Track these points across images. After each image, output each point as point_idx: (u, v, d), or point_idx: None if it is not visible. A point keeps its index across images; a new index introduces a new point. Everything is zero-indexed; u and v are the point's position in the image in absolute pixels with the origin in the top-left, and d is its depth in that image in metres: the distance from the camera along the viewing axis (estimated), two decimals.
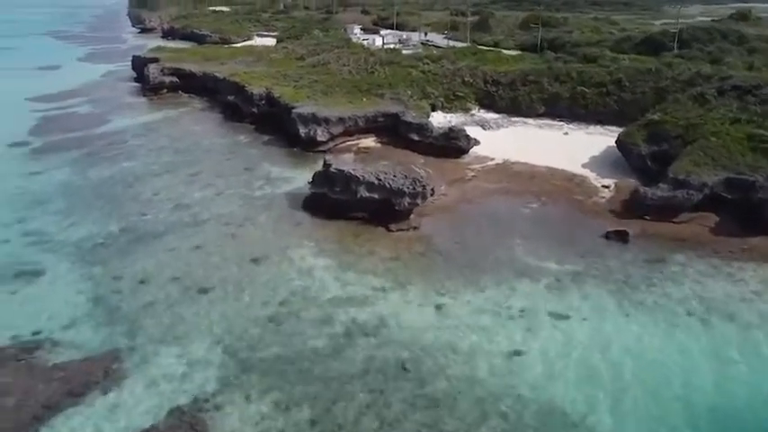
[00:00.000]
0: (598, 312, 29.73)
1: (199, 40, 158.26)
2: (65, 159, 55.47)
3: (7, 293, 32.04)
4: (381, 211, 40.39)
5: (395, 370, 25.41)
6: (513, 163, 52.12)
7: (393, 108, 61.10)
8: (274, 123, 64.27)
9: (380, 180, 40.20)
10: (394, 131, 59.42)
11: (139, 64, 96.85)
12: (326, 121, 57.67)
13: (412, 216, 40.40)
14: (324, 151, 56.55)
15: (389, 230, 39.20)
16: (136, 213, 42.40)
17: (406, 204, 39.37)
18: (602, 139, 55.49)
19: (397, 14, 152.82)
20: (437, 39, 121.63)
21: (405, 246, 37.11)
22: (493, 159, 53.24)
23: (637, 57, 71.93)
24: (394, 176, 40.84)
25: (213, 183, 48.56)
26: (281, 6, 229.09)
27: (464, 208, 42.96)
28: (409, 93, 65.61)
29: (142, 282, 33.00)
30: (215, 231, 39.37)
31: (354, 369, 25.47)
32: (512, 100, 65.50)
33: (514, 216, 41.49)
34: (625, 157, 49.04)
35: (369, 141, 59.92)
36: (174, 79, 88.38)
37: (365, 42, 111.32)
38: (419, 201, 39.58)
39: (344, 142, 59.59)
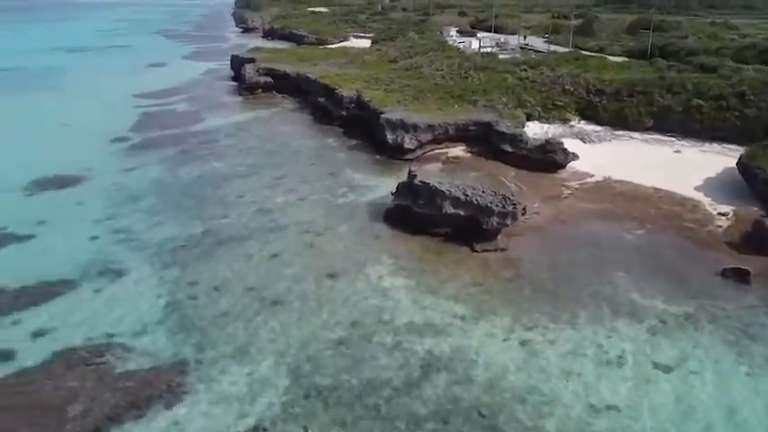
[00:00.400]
0: (711, 366, 25.75)
1: (296, 40, 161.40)
2: (159, 156, 56.84)
3: (91, 291, 32.36)
4: (467, 228, 37.84)
5: (469, 415, 22.90)
6: (615, 181, 47.82)
7: (486, 116, 58.21)
8: (363, 127, 63.12)
9: (467, 196, 37.62)
10: (485, 141, 56.53)
11: (237, 63, 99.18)
12: (415, 127, 55.66)
13: (500, 236, 37.52)
14: (410, 159, 54.80)
15: (474, 251, 36.56)
16: (219, 216, 42.23)
17: (494, 224, 36.56)
18: (719, 158, 49.98)
19: (496, 17, 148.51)
20: (537, 43, 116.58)
21: (490, 269, 34.35)
22: (592, 176, 49.15)
23: (762, 67, 64.68)
24: (482, 192, 38.15)
25: (297, 187, 47.81)
26: (379, 8, 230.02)
27: (558, 230, 39.51)
28: (504, 100, 62.37)
29: (217, 289, 32.35)
30: (294, 239, 38.32)
31: (425, 409, 23.18)
32: (616, 112, 60.60)
33: (615, 243, 37.57)
34: (747, 182, 43.59)
35: (458, 151, 57.34)
36: (269, 79, 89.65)
37: (461, 45, 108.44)
38: (508, 221, 36.64)
39: (432, 150, 57.37)
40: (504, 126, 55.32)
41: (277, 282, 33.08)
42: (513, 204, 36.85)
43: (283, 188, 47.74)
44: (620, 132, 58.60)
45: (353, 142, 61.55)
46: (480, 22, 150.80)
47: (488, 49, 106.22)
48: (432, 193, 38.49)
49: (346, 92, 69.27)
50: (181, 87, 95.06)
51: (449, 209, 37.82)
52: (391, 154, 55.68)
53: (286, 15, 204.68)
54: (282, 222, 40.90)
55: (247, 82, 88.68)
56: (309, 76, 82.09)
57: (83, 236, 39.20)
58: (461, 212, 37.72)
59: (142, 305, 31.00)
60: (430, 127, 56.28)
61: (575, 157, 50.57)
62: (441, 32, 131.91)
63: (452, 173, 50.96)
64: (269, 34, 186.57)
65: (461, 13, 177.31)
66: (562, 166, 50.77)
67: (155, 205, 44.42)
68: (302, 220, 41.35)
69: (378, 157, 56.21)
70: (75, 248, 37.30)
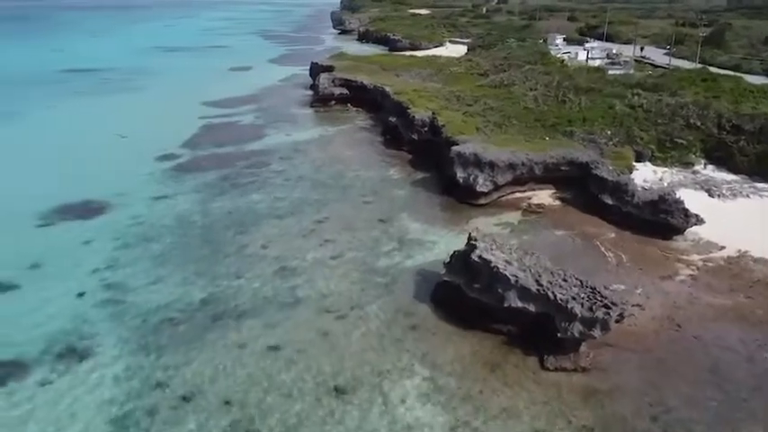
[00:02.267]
0: None
1: (390, 44, 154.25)
2: (198, 183, 50.46)
3: (35, 384, 25.46)
4: (538, 328, 27.58)
5: None
6: (755, 260, 35.35)
7: (583, 154, 46.92)
8: (434, 156, 53.62)
9: (541, 286, 27.28)
10: (580, 186, 45.38)
11: (316, 71, 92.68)
12: (492, 166, 45.41)
13: (582, 348, 26.88)
14: (484, 205, 44.76)
15: (544, 366, 26.21)
16: (231, 275, 34.47)
17: (576, 333, 25.99)
18: None
19: (609, 23, 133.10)
20: (655, 55, 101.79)
21: (563, 404, 23.94)
22: (722, 249, 36.86)
23: None
24: (563, 281, 27.68)
25: (335, 238, 39.26)
26: (484, 11, 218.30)
27: (670, 341, 28.15)
28: (608, 134, 50.62)
29: (185, 399, 24.37)
30: (306, 323, 29.69)
31: None
32: (759, 156, 47.10)
33: (761, 372, 25.82)
34: None
35: (545, 196, 46.50)
36: (344, 91, 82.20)
37: (565, 56, 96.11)
38: (596, 332, 25.91)
39: (513, 193, 46.95)
40: (606, 170, 43.85)
41: (264, 394, 24.56)
42: (606, 306, 26.05)
43: (319, 238, 39.33)
44: (764, 185, 45.12)
45: (419, 176, 52.18)
46: (591, 28, 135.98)
47: (597, 62, 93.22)
48: (492, 276, 28.46)
49: (420, 112, 59.99)
50: (254, 95, 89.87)
51: (514, 301, 27.65)
52: (461, 196, 45.85)
53: (384, 17, 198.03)
54: (301, 293, 32.41)
55: (321, 93, 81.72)
56: (387, 89, 73.49)
57: (69, 291, 32.79)
58: (531, 308, 27.46)
59: (88, 414, 23.56)
60: (511, 166, 45.83)
61: (699, 221, 38.30)
62: (544, 40, 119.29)
63: (532, 229, 40.39)
64: (364, 37, 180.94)
65: (571, 19, 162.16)
66: (680, 230, 38.76)
67: (165, 252, 37.47)
68: (326, 291, 32.66)
69: (444, 198, 46.54)
70: (52, 311, 30.86)
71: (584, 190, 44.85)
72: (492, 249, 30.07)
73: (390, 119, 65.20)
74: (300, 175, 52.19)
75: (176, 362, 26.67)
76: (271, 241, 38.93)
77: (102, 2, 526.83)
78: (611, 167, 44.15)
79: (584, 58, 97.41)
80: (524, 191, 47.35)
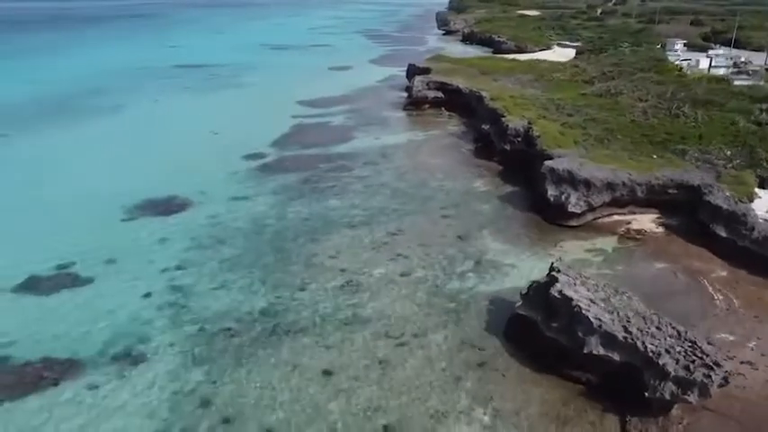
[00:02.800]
0: None
1: (494, 46, 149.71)
2: (279, 185, 50.02)
3: (85, 389, 25.19)
4: (621, 380, 23.90)
5: None
6: None
7: (695, 177, 41.69)
8: (526, 170, 50.00)
9: (629, 333, 23.62)
10: (689, 213, 40.26)
11: (412, 73, 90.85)
12: (587, 184, 41.34)
13: (674, 411, 22.90)
14: (575, 227, 40.82)
15: (625, 429, 22.52)
16: (295, 286, 33.18)
17: (667, 395, 22.11)
18: None
19: (739, 28, 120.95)
20: None
21: None
22: None
23: None
24: (657, 329, 23.86)
25: (408, 253, 37.01)
26: (598, 12, 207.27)
27: None
28: (728, 154, 44.74)
29: (226, 421, 23.08)
30: (362, 348, 27.68)
31: None
32: None
33: None
34: None
35: (646, 221, 41.70)
36: (439, 94, 79.70)
37: (684, 64, 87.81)
38: (692, 396, 21.89)
39: (610, 215, 42.56)
40: (721, 196, 38.50)
41: (307, 425, 22.78)
42: (708, 366, 21.99)
43: (391, 252, 37.25)
44: None
45: (507, 190, 48.75)
46: (717, 33, 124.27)
47: (721, 71, 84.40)
48: (573, 316, 25.08)
49: (515, 121, 56.38)
50: (349, 96, 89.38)
51: (596, 347, 24.14)
52: (551, 216, 42.12)
53: (490, 18, 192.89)
54: (363, 312, 30.46)
55: (414, 96, 79.71)
56: (483, 94, 70.18)
57: (137, 290, 32.87)
58: (615, 357, 23.83)
59: (121, 425, 22.90)
60: (609, 186, 41.51)
61: None
62: (662, 46, 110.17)
63: (628, 259, 36.04)
64: (468, 38, 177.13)
65: (695, 23, 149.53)
66: None
67: (234, 256, 36.89)
68: (390, 311, 30.50)
69: (532, 217, 42.96)
70: (117, 310, 30.96)
71: (694, 218, 39.69)
72: (575, 284, 26.62)
73: (483, 126, 61.97)
74: (382, 183, 50.38)
75: (225, 378, 25.56)
76: (340, 252, 37.32)
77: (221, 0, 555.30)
78: (727, 194, 38.68)
79: (707, 66, 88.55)
80: (623, 213, 42.78)
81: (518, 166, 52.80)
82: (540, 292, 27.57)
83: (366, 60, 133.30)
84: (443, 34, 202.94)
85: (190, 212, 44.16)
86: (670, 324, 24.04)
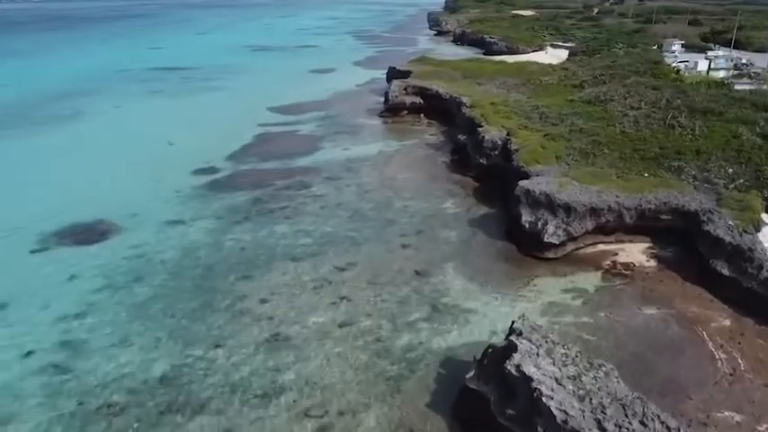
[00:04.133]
0: None
1: (485, 47, 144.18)
2: (224, 205, 44.44)
3: None
4: None
5: None
6: None
7: (692, 200, 36.04)
8: (503, 187, 44.40)
9: (601, 426, 17.92)
10: (686, 243, 34.64)
11: (392, 76, 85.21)
12: (567, 210, 35.68)
13: None
14: (553, 259, 35.10)
15: None
16: (208, 343, 27.50)
17: None
18: None
19: (739, 28, 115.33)
20: None
21: None
22: None
23: None
24: (640, 425, 18.11)
25: (353, 296, 31.33)
26: (594, 12, 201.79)
27: None
28: (730, 172, 39.06)
29: None
30: None
31: None
32: None
33: None
34: None
35: (636, 252, 36.03)
36: (418, 100, 74.02)
37: (681, 66, 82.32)
38: None
39: (593, 244, 36.90)
40: (723, 225, 32.82)
41: None
42: None
43: (334, 293, 31.57)
44: None
45: (480, 211, 43.06)
46: (717, 34, 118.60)
47: (721, 74, 78.95)
48: (532, 402, 19.37)
49: (492, 131, 50.76)
50: (324, 101, 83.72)
51: None
52: (526, 246, 36.46)
53: (483, 19, 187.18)
54: (285, 380, 24.81)
55: (391, 102, 74.04)
56: (463, 101, 64.53)
57: (19, 348, 27.36)
58: None
59: None
60: (593, 211, 35.83)
61: None
62: (659, 46, 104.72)
63: (612, 303, 30.33)
64: (459, 39, 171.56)
65: (693, 22, 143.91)
66: None
67: (148, 301, 31.21)
68: (318, 379, 24.84)
69: (505, 246, 37.28)
70: None
71: (691, 249, 34.04)
72: (539, 354, 20.95)
73: (459, 137, 56.35)
74: (340, 203, 44.71)
75: None
76: (275, 293, 31.63)
77: (222, 0, 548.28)
78: (730, 222, 32.98)
79: (705, 68, 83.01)
80: (610, 242, 37.13)
81: (495, 182, 47.25)
82: (496, 361, 21.90)
83: (351, 62, 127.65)
84: (435, 35, 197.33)
85: (113, 241, 38.50)
86: (658, 417, 18.33)
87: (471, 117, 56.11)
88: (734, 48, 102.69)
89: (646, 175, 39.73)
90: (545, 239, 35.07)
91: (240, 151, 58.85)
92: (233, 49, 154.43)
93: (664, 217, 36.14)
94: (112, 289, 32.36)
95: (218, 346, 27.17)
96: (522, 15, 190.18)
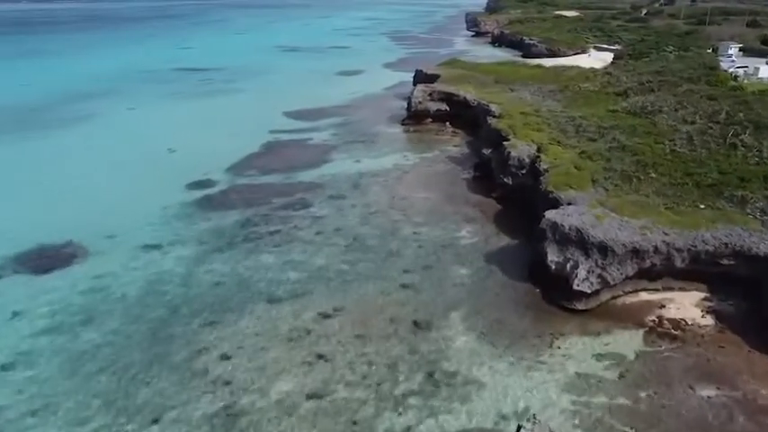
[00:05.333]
0: None
1: (524, 49, 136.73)
2: (210, 227, 39.53)
3: None
4: None
5: None
6: None
7: (761, 241, 29.09)
8: (529, 212, 38.15)
9: None
10: (754, 296, 27.85)
11: (419, 80, 79.20)
12: (603, 250, 29.24)
13: None
14: (584, 311, 28.76)
15: None
16: (146, 417, 22.36)
17: None
18: None
19: None
20: None
21: None
22: None
23: None
24: None
25: (334, 354, 25.76)
26: (642, 13, 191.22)
27: None
28: None
29: None
30: None
31: None
32: None
33: None
34: None
35: (688, 304, 29.40)
36: (443, 107, 67.93)
37: (740, 72, 74.02)
38: None
39: (635, 292, 30.38)
40: None
41: None
42: None
43: (310, 350, 26.05)
44: None
45: (501, 243, 36.89)
46: None
47: None
48: None
49: (520, 146, 44.45)
50: (345, 106, 78.43)
51: None
52: (551, 292, 30.20)
53: (523, 19, 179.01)
54: None
55: (413, 108, 68.15)
56: (492, 109, 58.24)
57: None
58: None
59: None
60: (635, 253, 29.29)
61: None
62: (714, 50, 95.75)
63: (657, 378, 23.86)
64: (497, 40, 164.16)
65: (752, 24, 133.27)
66: None
67: (90, 351, 26.34)
68: None
69: (527, 290, 31.10)
70: None
71: (761, 304, 27.24)
72: None
73: (484, 151, 50.16)
74: (340, 227, 39.13)
75: None
76: (240, 347, 26.24)
77: (263, 1, 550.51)
78: None
79: (767, 75, 74.32)
80: (655, 290, 30.57)
81: (521, 206, 40.99)
82: None
83: (380, 64, 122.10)
84: (472, 36, 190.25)
85: (76, 269, 33.85)
86: None
87: (496, 129, 49.78)
88: None
89: (702, 206, 32.85)
90: (575, 287, 28.73)
91: (243, 161, 53.95)
92: (262, 50, 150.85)
93: (724, 262, 29.36)
94: (55, 333, 27.53)
95: (154, 421, 21.89)
96: (566, 16, 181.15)
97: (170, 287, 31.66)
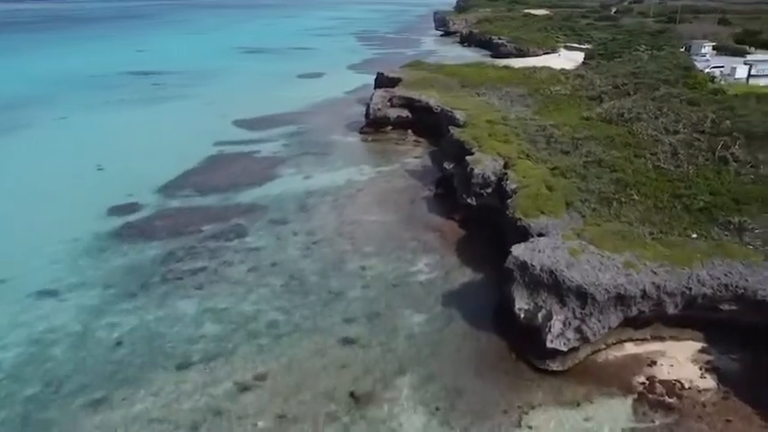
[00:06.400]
0: None
1: (493, 49, 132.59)
2: (122, 264, 33.60)
3: None
4: None
5: None
6: None
7: (763, 278, 24.28)
8: (497, 239, 33.11)
9: None
10: (759, 345, 23.02)
11: (380, 84, 73.80)
12: (582, 297, 24.15)
13: None
14: (560, 372, 23.67)
15: None
16: None
17: None
18: None
19: None
20: None
21: None
22: None
23: None
24: None
25: None
26: (612, 11, 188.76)
27: None
28: None
29: None
30: None
31: None
32: None
33: None
34: None
35: (683, 358, 24.58)
36: (404, 113, 62.72)
37: (716, 73, 70.39)
38: None
39: (619, 343, 25.41)
40: None
41: None
42: None
43: None
44: None
45: (464, 278, 31.68)
46: (751, 35, 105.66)
47: (761, 82, 66.79)
48: None
49: (485, 161, 39.32)
50: (300, 113, 72.80)
51: None
52: (522, 344, 25.03)
53: (492, 18, 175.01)
54: None
55: (372, 116, 62.77)
56: (457, 116, 53.18)
57: None
58: None
59: None
60: (619, 300, 24.25)
61: None
62: (687, 49, 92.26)
63: None
64: (466, 40, 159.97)
65: (722, 22, 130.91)
66: None
67: None
68: None
69: (493, 342, 25.90)
70: None
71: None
72: None
73: (446, 165, 44.99)
74: (276, 262, 33.49)
75: None
76: None
77: (232, 1, 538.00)
78: None
79: (745, 75, 70.73)
80: (643, 339, 25.67)
81: (487, 229, 35.95)
82: None
83: (344, 66, 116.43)
84: (441, 35, 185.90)
85: None
86: None
87: (459, 140, 44.63)
88: None
89: (694, 235, 28.05)
90: (548, 343, 23.61)
91: (178, 179, 47.99)
92: (222, 52, 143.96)
93: (725, 306, 24.57)
94: None
95: None
96: (535, 15, 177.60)
97: (58, 351, 25.72)
